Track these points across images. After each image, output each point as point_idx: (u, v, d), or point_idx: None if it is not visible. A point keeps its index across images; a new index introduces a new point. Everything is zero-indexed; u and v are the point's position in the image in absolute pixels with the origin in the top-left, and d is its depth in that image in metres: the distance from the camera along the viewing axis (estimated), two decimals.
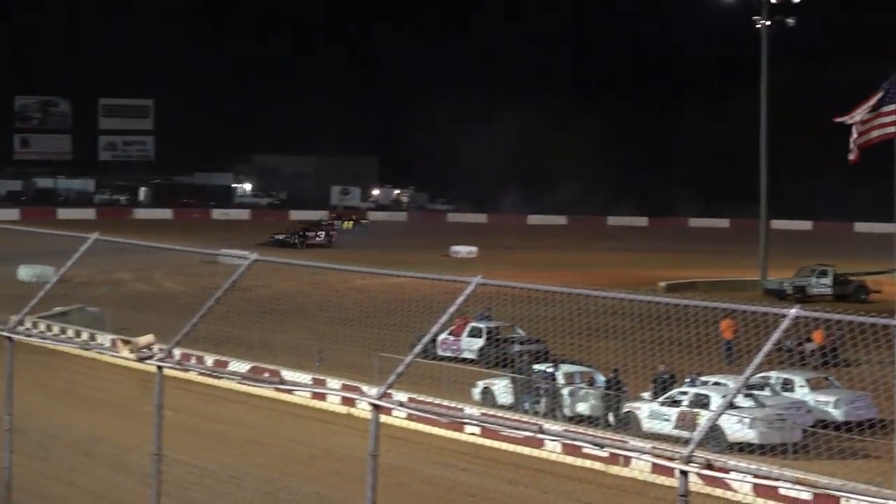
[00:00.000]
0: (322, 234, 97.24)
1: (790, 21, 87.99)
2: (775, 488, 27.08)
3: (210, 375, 24.31)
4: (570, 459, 31.46)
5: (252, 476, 22.76)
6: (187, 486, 19.04)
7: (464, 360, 44.29)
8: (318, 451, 26.48)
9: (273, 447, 27.66)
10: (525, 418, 37.23)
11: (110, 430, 24.64)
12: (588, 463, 29.32)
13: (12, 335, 20.26)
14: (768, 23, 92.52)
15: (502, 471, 28.78)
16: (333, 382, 34.51)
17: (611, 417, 38.42)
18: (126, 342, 20.36)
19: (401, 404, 17.07)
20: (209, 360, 30.04)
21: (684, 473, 13.29)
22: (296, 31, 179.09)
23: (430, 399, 30.38)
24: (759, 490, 27.36)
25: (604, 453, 29.21)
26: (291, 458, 25.99)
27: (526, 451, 31.79)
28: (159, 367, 18.38)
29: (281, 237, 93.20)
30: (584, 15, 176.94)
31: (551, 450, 31.75)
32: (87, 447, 23.39)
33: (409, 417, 23.52)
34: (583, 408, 39.47)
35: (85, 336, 38.85)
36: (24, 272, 52.72)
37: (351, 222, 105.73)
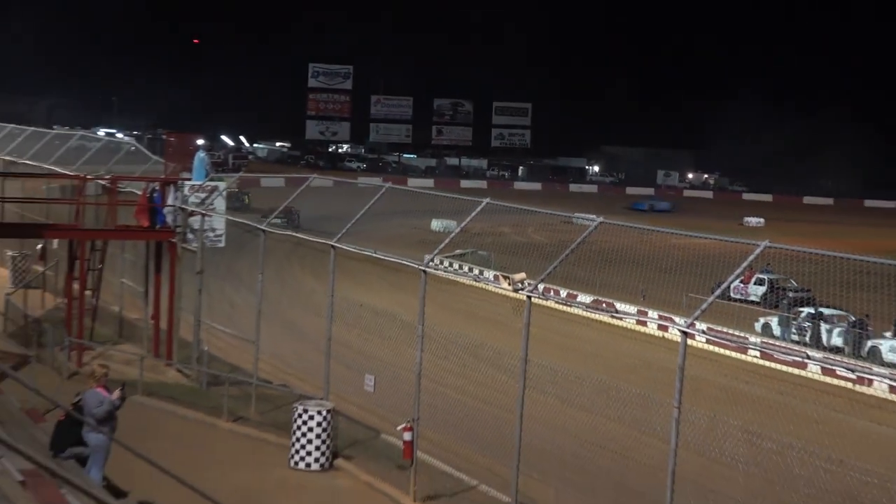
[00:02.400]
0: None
1: None
2: None
3: (563, 304, 24.61)
4: (827, 379, 31.00)
5: (590, 378, 22.97)
6: (544, 383, 19.35)
7: (750, 302, 44.02)
8: (640, 362, 26.58)
9: (607, 358, 27.79)
10: (795, 347, 36.93)
11: (491, 339, 25.06)
12: (841, 383, 28.86)
13: (426, 269, 20.96)
14: None
15: (775, 385, 28.47)
16: (653, 313, 34.60)
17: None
18: (505, 277, 20.84)
19: (702, 331, 17.12)
20: (563, 292, 30.28)
21: None
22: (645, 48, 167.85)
23: (723, 329, 30.32)
24: None
25: (853, 376, 28.81)
26: (620, 367, 26.10)
27: (794, 371, 31.42)
28: (528, 297, 18.83)
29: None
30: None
31: (813, 372, 31.38)
32: (475, 350, 23.88)
33: (708, 342, 23.43)
34: (839, 339, 38.95)
35: (476, 272, 39.73)
36: (435, 224, 50.70)
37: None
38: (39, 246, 34.35)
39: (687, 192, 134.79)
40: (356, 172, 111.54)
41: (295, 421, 22.08)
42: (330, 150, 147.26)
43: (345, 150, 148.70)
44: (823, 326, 39.75)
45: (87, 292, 30.51)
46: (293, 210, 32.69)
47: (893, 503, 13.13)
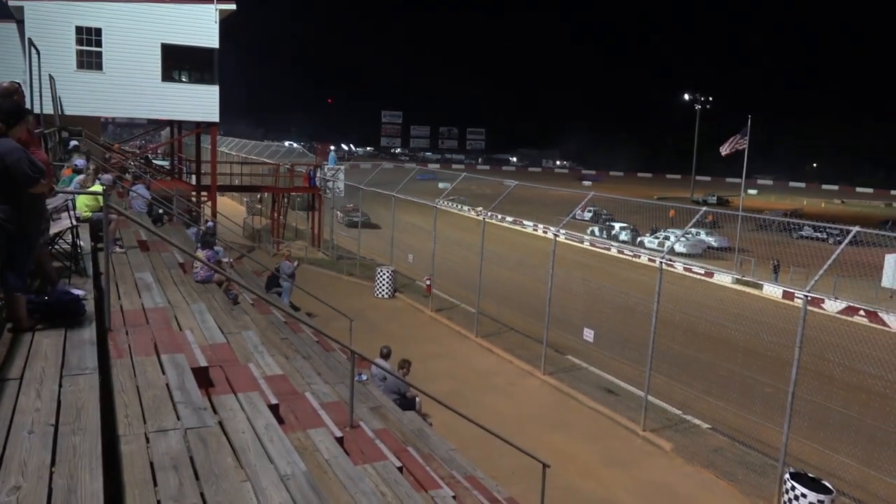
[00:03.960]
0: None
1: None
2: (690, 267, 26.51)
3: (500, 222, 24.77)
4: (620, 255, 31.28)
5: (511, 256, 23.15)
6: (492, 258, 19.33)
7: (585, 220, 44.07)
8: (535, 249, 26.45)
9: (520, 247, 27.48)
10: (605, 241, 37.19)
11: (466, 238, 24.76)
12: (625, 257, 29.11)
13: (437, 206, 20.96)
14: None
15: (596, 259, 28.61)
16: (540, 225, 34.73)
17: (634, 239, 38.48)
18: (473, 209, 20.96)
19: (563, 233, 17.26)
20: (500, 216, 30.56)
21: (661, 262, 13.37)
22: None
23: (572, 232, 30.47)
24: (686, 270, 26.81)
25: (631, 254, 29.04)
26: (526, 251, 25.97)
27: (605, 252, 31.64)
28: (484, 219, 18.91)
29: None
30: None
31: (613, 253, 31.52)
32: (458, 243, 23.86)
33: (566, 238, 23.68)
34: (625, 237, 39.10)
35: (459, 207, 39.79)
36: (441, 185, 48.08)
37: None
38: (259, 195, 34.48)
39: (556, 171, 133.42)
40: (404, 162, 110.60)
41: (376, 275, 22.38)
42: (391, 151, 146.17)
43: (398, 151, 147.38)
44: (618, 230, 40.38)
45: (281, 217, 30.77)
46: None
47: (647, 311, 13.46)
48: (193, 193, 25.46)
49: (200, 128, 24.22)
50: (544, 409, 13.82)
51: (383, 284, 22.16)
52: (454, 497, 6.45)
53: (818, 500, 9.15)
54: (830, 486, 9.40)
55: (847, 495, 10.23)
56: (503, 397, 14.28)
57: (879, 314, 23.11)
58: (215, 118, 22.27)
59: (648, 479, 11.13)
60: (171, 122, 27.68)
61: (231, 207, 38.48)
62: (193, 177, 28.78)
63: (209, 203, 24.59)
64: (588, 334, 15.55)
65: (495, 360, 16.87)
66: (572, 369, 16.07)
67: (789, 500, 9.38)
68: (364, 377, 10.61)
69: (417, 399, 11.43)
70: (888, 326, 22.46)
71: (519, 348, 17.35)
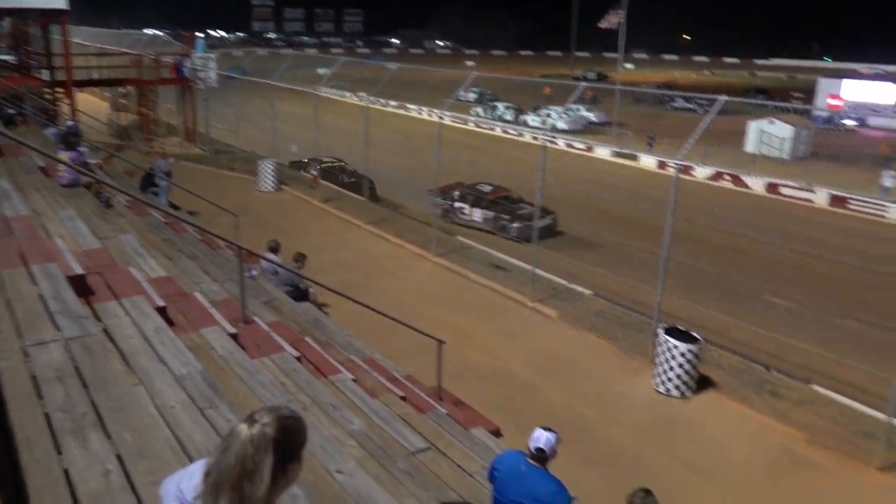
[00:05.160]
0: None
1: None
2: (571, 143, 27.21)
3: (383, 106, 24.26)
4: (504, 135, 31.59)
5: (392, 139, 22.97)
6: (379, 143, 19.15)
7: (469, 101, 43.74)
8: (421, 133, 26.19)
9: (404, 131, 27.38)
10: (489, 121, 37.28)
11: (349, 124, 24.24)
12: (510, 137, 29.51)
13: (318, 93, 20.27)
14: None
15: (482, 140, 28.73)
16: (425, 109, 34.31)
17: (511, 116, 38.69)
18: (356, 95, 20.32)
19: (449, 116, 17.17)
20: (384, 101, 29.59)
21: (544, 140, 13.61)
22: None
23: (457, 114, 30.34)
24: (568, 146, 27.48)
25: (515, 133, 29.43)
26: (412, 134, 25.82)
27: (489, 132, 31.84)
28: (367, 106, 18.47)
29: None
30: None
31: (498, 133, 31.81)
32: (341, 131, 23.33)
33: (452, 121, 23.55)
34: (509, 117, 39.32)
35: (339, 92, 38.57)
36: (321, 71, 44.19)
37: None
38: (122, 90, 32.02)
39: (439, 51, 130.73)
40: (279, 48, 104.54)
41: (257, 168, 21.69)
42: (264, 36, 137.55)
43: (273, 36, 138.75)
44: (501, 110, 40.42)
45: (150, 112, 28.85)
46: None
47: (532, 188, 13.82)
48: (47, 91, 23.38)
49: (47, 17, 21.95)
50: (437, 290, 14.23)
51: (267, 177, 21.52)
52: (354, 380, 6.65)
53: (688, 350, 10.09)
54: (698, 336, 10.34)
55: (711, 342, 11.33)
56: (397, 282, 14.54)
57: (742, 178, 24.86)
58: (62, 4, 20.23)
59: (536, 347, 11.86)
60: (10, 11, 24.84)
61: (93, 104, 35.56)
62: (45, 72, 26.34)
63: (67, 101, 22.74)
64: (476, 215, 15.91)
65: (387, 245, 17.02)
66: (462, 249, 16.47)
67: (663, 351, 10.29)
68: (254, 273, 10.49)
69: (311, 290, 11.47)
70: (750, 189, 24.23)
71: (409, 233, 17.52)
